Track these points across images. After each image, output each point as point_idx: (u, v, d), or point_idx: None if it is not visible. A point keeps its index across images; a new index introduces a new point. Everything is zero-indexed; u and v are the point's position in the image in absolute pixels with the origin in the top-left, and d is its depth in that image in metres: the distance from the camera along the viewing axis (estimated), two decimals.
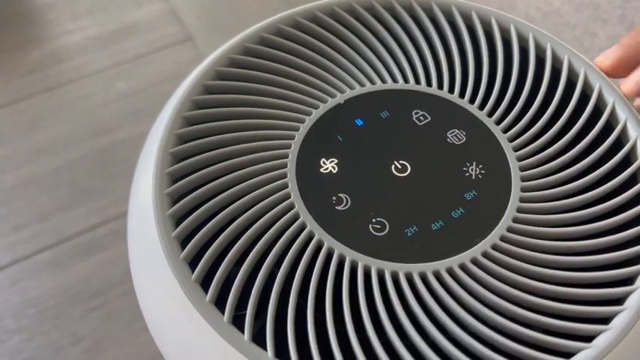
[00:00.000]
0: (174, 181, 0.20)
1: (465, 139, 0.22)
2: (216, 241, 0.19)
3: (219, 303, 0.18)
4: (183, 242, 0.19)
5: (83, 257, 0.56)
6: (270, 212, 0.20)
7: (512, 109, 0.22)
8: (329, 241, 0.20)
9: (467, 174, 0.21)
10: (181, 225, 0.19)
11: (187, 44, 0.70)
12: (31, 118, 0.64)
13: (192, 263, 0.19)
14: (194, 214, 0.20)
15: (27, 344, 0.51)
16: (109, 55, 0.68)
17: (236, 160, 0.21)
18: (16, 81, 0.67)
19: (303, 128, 0.22)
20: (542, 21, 0.63)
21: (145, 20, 0.72)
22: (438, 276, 0.19)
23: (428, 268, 0.19)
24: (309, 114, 0.23)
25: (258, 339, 0.18)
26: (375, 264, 0.19)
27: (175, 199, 0.20)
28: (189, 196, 0.20)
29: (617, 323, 0.18)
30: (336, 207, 0.20)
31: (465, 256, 0.19)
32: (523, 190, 0.21)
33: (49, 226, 0.57)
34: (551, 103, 0.22)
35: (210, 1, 0.76)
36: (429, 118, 0.23)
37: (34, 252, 0.56)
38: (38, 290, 0.54)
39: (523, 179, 0.21)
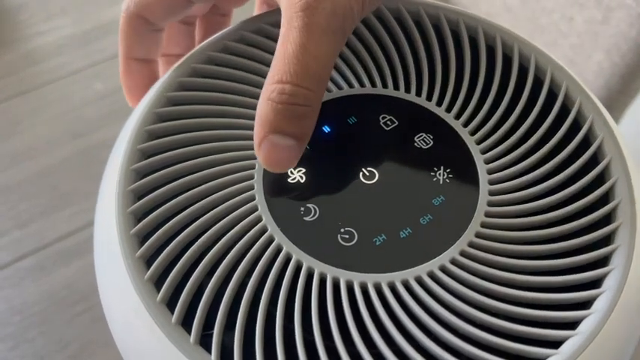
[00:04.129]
0: (139, 199, 0.20)
1: (432, 143, 0.22)
2: (182, 259, 0.19)
3: (189, 323, 0.18)
4: (149, 261, 0.19)
5: (66, 262, 0.55)
6: (237, 226, 0.20)
7: (480, 111, 0.22)
8: (297, 254, 0.19)
9: (434, 179, 0.21)
10: (146, 244, 0.19)
11: None
12: (7, 122, 0.63)
13: (159, 283, 0.19)
14: (158, 232, 0.19)
15: (12, 352, 0.51)
16: (84, 55, 0.67)
17: (201, 173, 0.21)
18: None
19: None
20: (521, 7, 0.63)
21: (120, 18, 0.71)
22: (406, 285, 0.19)
23: (396, 277, 0.19)
24: None
25: (227, 358, 0.18)
26: (343, 275, 0.19)
27: (140, 217, 0.20)
28: (154, 214, 0.20)
29: (584, 328, 0.18)
30: (304, 218, 0.20)
31: (433, 264, 0.19)
32: (491, 193, 0.21)
33: (30, 231, 0.57)
34: (518, 104, 0.22)
35: None
36: (397, 123, 0.22)
37: (15, 259, 0.55)
38: (22, 297, 0.53)
39: (491, 182, 0.21)
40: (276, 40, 0.24)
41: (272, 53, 0.24)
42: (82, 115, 0.63)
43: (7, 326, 0.52)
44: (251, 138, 0.22)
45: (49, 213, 0.57)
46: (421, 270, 0.19)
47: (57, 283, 0.54)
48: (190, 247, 0.19)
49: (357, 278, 0.19)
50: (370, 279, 0.19)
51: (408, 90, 0.23)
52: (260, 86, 0.23)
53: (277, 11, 0.24)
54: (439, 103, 0.23)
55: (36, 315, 0.53)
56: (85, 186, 0.59)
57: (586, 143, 0.22)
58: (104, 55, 0.67)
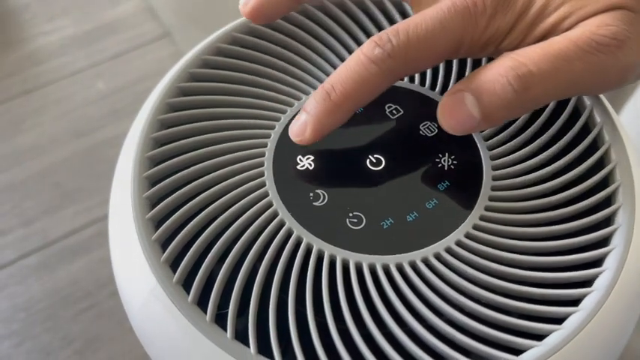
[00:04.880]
0: (153, 184, 0.21)
1: (437, 130, 0.23)
2: (196, 242, 0.19)
3: (203, 303, 0.19)
4: (165, 244, 0.20)
5: (70, 259, 0.56)
6: (249, 211, 0.20)
7: None
8: (308, 237, 0.20)
9: (439, 165, 0.22)
10: (161, 228, 0.20)
11: (165, 40, 0.70)
12: (11, 121, 0.63)
13: (174, 265, 0.19)
14: (173, 217, 0.20)
15: (17, 349, 0.51)
16: (86, 55, 0.68)
17: (213, 160, 0.21)
18: None
19: (279, 126, 0.23)
20: None
21: (121, 18, 0.71)
22: (414, 266, 0.20)
23: (404, 258, 0.20)
24: (284, 112, 0.23)
25: (242, 336, 0.18)
26: (352, 257, 0.20)
27: (155, 202, 0.21)
28: (168, 199, 0.20)
29: (586, 304, 0.18)
30: (314, 203, 0.21)
31: (439, 246, 0.20)
32: (494, 178, 0.21)
33: (35, 229, 0.57)
34: None
35: None
36: (402, 112, 0.23)
37: (20, 256, 0.56)
38: (26, 295, 0.54)
39: (494, 168, 0.22)
40: (281, 32, 0.25)
41: (279, 45, 0.25)
42: (85, 114, 0.64)
43: (13, 323, 0.52)
44: (261, 127, 0.23)
45: (53, 211, 0.58)
46: (428, 252, 0.20)
47: (61, 280, 0.55)
48: (205, 231, 0.20)
49: (366, 260, 0.20)
50: (379, 260, 0.20)
51: (412, 80, 0.24)
52: (269, 77, 0.24)
53: None
54: (443, 92, 0.23)
55: (40, 312, 0.53)
56: (88, 184, 0.59)
57: (586, 129, 0.22)
58: (105, 55, 0.68)
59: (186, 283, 0.19)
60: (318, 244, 0.20)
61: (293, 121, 0.21)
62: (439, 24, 0.20)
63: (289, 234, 0.20)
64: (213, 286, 0.19)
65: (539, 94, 0.19)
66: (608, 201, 0.21)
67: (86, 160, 0.62)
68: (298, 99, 0.23)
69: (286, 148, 0.22)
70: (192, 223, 0.20)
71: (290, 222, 0.20)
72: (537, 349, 0.18)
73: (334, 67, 0.24)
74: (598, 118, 0.22)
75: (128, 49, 0.69)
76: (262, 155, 0.22)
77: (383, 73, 0.20)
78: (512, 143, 0.22)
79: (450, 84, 0.24)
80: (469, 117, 0.20)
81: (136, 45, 0.69)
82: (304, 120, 0.21)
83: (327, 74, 0.24)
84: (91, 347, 0.52)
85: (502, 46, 0.21)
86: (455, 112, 0.20)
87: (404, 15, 0.25)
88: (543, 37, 0.20)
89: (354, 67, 0.20)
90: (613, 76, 0.20)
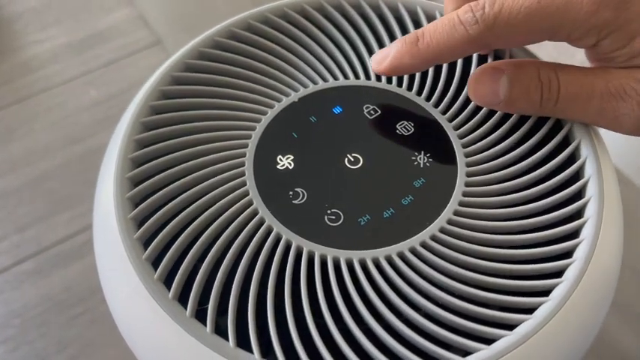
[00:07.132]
0: (135, 185, 0.21)
1: (413, 130, 0.23)
2: (178, 240, 0.20)
3: (184, 299, 0.19)
4: (147, 243, 0.20)
5: (64, 265, 0.56)
6: (230, 210, 0.21)
7: (457, 99, 0.24)
8: (287, 234, 0.20)
9: (415, 163, 0.22)
10: (143, 226, 0.20)
11: (157, 48, 0.70)
12: (4, 129, 0.64)
13: (156, 263, 0.20)
14: (155, 216, 0.20)
15: (12, 354, 0.52)
16: (80, 63, 0.69)
17: (195, 161, 0.22)
18: None
19: (260, 127, 0.23)
20: None
21: (113, 26, 0.72)
22: (390, 260, 0.20)
23: (380, 253, 0.20)
24: (264, 113, 0.24)
25: (223, 331, 0.19)
26: (330, 253, 0.20)
27: (137, 203, 0.21)
28: (150, 199, 0.21)
29: (556, 294, 0.19)
30: (293, 201, 0.21)
31: (414, 240, 0.20)
32: (468, 175, 0.22)
33: (29, 236, 0.58)
34: None
35: (177, 3, 0.76)
36: (379, 112, 0.24)
37: (14, 263, 0.56)
38: (21, 300, 0.54)
39: (468, 165, 0.22)
40: (263, 36, 0.26)
41: (260, 48, 0.25)
42: (78, 121, 0.64)
43: (8, 329, 0.53)
44: (242, 128, 0.23)
45: (48, 217, 0.58)
46: (403, 246, 0.20)
47: (56, 285, 0.55)
48: (186, 229, 0.20)
49: (343, 255, 0.20)
50: (356, 256, 0.20)
51: (389, 81, 0.25)
52: (250, 80, 0.24)
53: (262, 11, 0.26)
54: (419, 93, 0.24)
55: (35, 317, 0.53)
56: (82, 190, 0.60)
57: (558, 126, 0.23)
58: (98, 62, 0.68)
59: (168, 281, 0.20)
60: (297, 240, 0.20)
61: (379, 51, 0.23)
62: (537, 2, 0.20)
63: (269, 231, 0.21)
64: (193, 283, 0.19)
65: (558, 111, 0.22)
66: (579, 194, 0.21)
67: (79, 167, 0.62)
68: (279, 100, 0.24)
69: (267, 149, 0.23)
70: (173, 222, 0.20)
71: (270, 219, 0.21)
72: (508, 337, 0.18)
73: (315, 69, 0.25)
74: None
75: (120, 56, 0.70)
76: (243, 155, 0.22)
77: (469, 38, 0.20)
78: (485, 141, 0.23)
79: (426, 85, 0.24)
80: (495, 95, 0.22)
81: (128, 53, 0.70)
82: (387, 53, 0.22)
83: (308, 77, 0.25)
84: (85, 352, 0.52)
85: (603, 43, 0.20)
86: (485, 84, 0.22)
87: (380, 18, 0.26)
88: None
89: (445, 23, 0.21)
90: (626, 125, 0.21)
